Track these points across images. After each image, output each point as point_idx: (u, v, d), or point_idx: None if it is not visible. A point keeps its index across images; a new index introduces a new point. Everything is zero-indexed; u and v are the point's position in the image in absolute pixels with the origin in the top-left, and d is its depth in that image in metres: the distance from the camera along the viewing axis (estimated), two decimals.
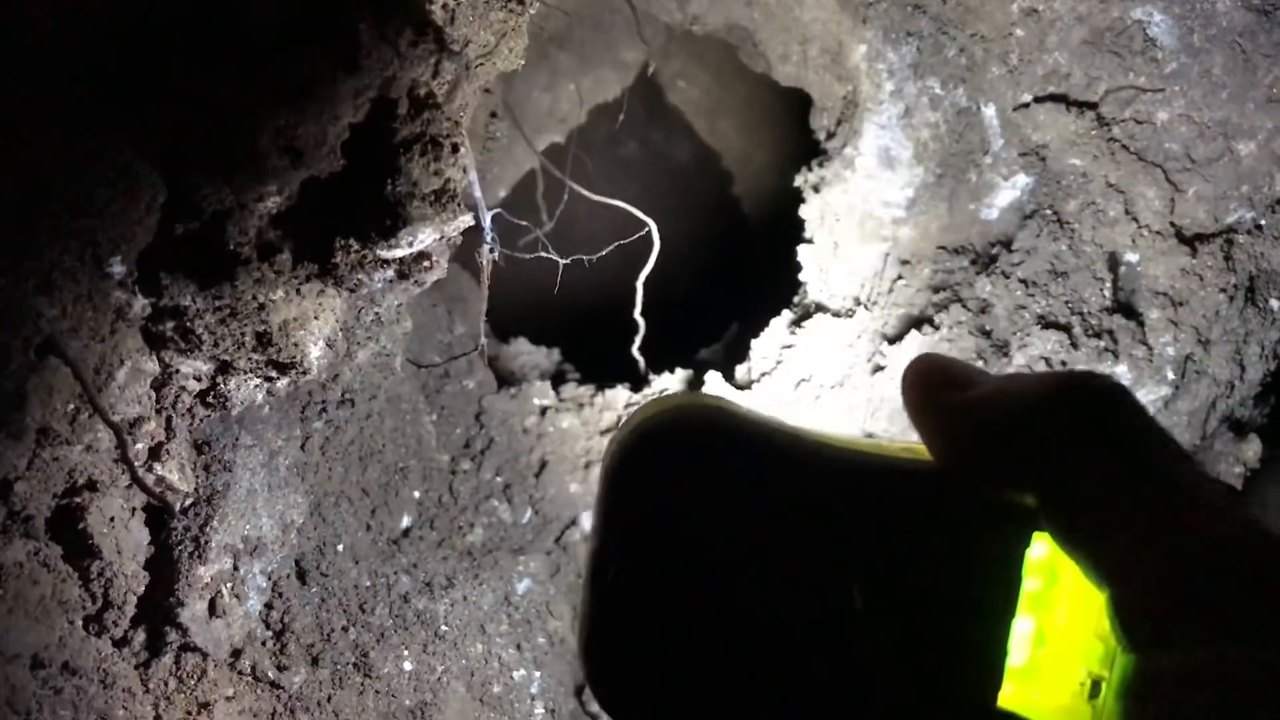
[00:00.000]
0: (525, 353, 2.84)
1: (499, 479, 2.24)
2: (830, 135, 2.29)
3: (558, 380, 2.61)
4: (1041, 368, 1.82)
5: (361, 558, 1.74)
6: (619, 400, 2.54)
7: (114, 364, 1.15)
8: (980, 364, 1.94)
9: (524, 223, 1.37)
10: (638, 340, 2.83)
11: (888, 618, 0.36)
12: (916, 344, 2.04)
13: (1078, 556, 0.34)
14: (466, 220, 1.10)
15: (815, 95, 2.32)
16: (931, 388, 0.39)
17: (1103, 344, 1.82)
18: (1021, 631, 0.37)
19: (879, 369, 2.11)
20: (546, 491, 2.25)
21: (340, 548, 1.71)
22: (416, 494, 2.06)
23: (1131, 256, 1.77)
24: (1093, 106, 1.78)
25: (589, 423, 2.44)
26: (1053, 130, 1.82)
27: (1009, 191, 2.00)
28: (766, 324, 2.44)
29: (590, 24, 2.46)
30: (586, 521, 2.29)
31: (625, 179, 4.35)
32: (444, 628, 1.68)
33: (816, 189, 2.29)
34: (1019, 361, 1.85)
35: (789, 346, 2.33)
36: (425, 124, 1.05)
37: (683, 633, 0.37)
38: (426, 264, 1.14)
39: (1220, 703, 0.28)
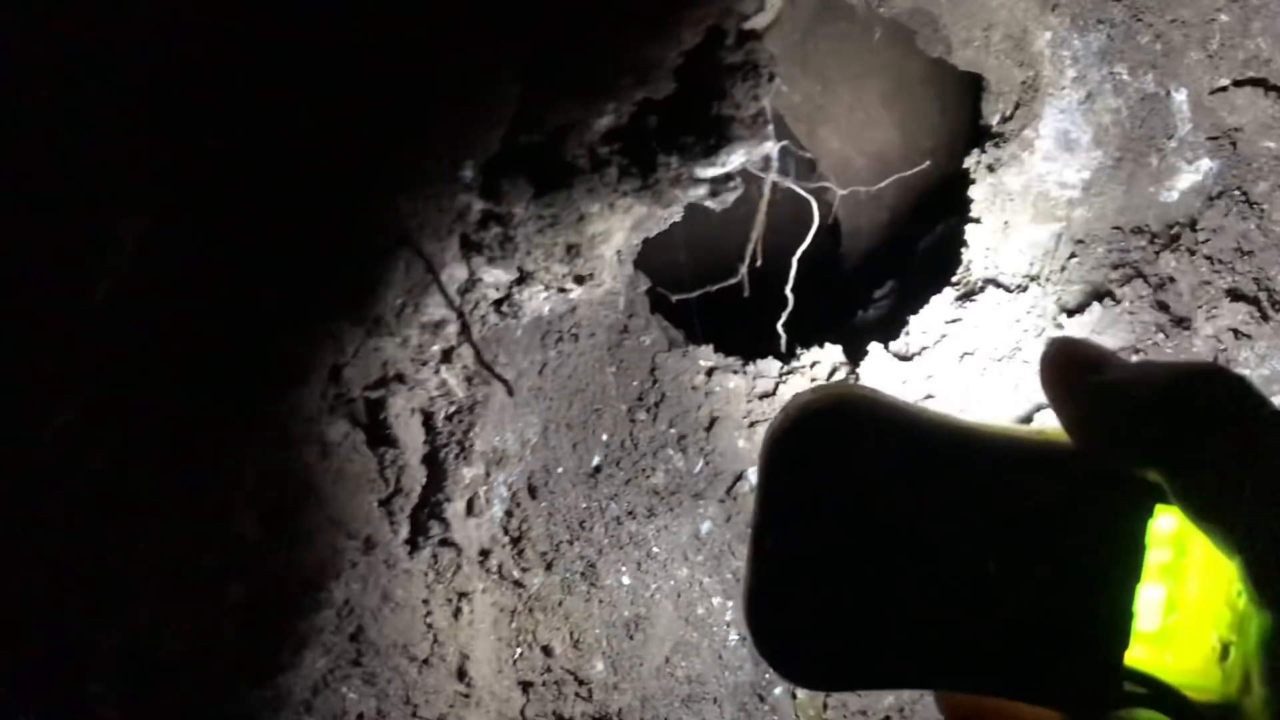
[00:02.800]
0: (664, 327, 2.95)
1: (673, 430, 2.36)
2: (1006, 119, 2.38)
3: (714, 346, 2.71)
4: (1230, 339, 1.89)
5: (576, 483, 1.86)
6: (771, 369, 2.64)
7: (440, 266, 1.28)
8: (1162, 337, 2.01)
9: (807, 153, 1.48)
10: (784, 315, 2.94)
11: (1021, 585, 0.39)
12: (1096, 316, 2.11)
13: (1207, 529, 0.36)
14: (770, 145, 1.21)
15: (992, 80, 2.41)
16: (1068, 370, 0.41)
17: None
18: (1153, 599, 0.40)
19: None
20: (716, 444, 2.36)
21: (560, 470, 1.83)
22: (604, 436, 2.18)
23: None
24: None
25: (752, 386, 2.54)
26: (1249, 114, 1.89)
27: (1191, 175, 2.07)
28: (925, 301, 2.53)
29: None
30: (753, 476, 2.40)
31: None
32: (655, 549, 1.80)
33: (991, 169, 2.38)
34: (1206, 333, 1.92)
35: (954, 321, 2.41)
36: (748, 53, 1.16)
37: (833, 596, 0.41)
38: (732, 184, 1.25)
39: None
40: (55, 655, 1.01)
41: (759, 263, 1.52)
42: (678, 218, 1.45)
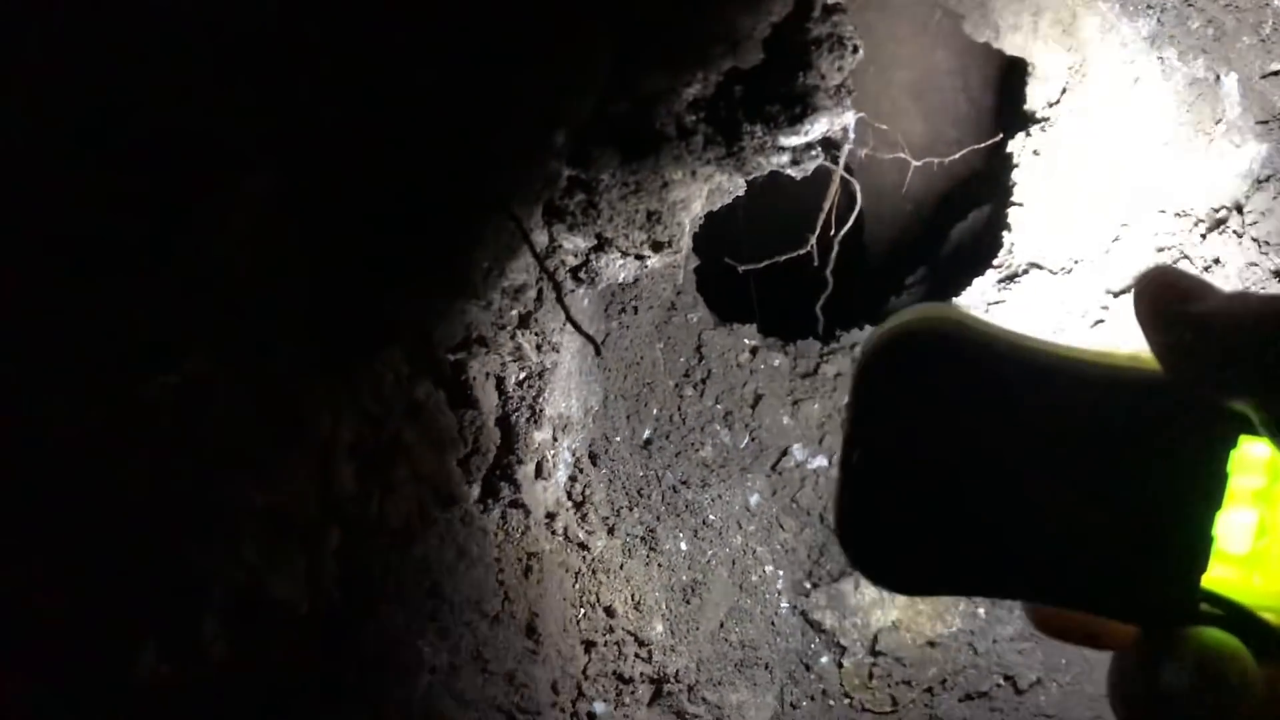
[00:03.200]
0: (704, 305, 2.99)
1: (719, 406, 2.40)
2: (1053, 104, 2.41)
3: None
4: None
5: (633, 452, 1.91)
6: (812, 350, 2.68)
7: (527, 230, 1.32)
8: None
9: (884, 127, 1.52)
10: (823, 297, 2.98)
11: (1103, 505, 0.41)
12: None
13: None
14: (850, 116, 1.25)
15: (1039, 65, 2.44)
16: (1164, 299, 0.41)
17: None
18: (1243, 523, 0.41)
19: (1098, 322, 2.22)
20: (762, 420, 2.40)
21: (618, 439, 1.88)
22: (655, 410, 2.23)
23: None
24: None
25: (793, 365, 2.58)
26: None
27: (1238, 159, 2.10)
28: (967, 284, 2.56)
29: None
30: (798, 452, 2.44)
31: None
32: (711, 517, 1.84)
33: (1036, 153, 2.41)
34: None
35: (997, 303, 2.45)
36: (834, 25, 1.20)
37: (918, 510, 0.43)
38: (813, 152, 1.29)
39: None
40: (172, 592, 1.06)
41: (832, 232, 1.55)
42: (742, 191, 1.49)
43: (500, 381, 1.56)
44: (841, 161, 1.35)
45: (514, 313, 1.46)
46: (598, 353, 1.45)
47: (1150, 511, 0.41)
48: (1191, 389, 0.40)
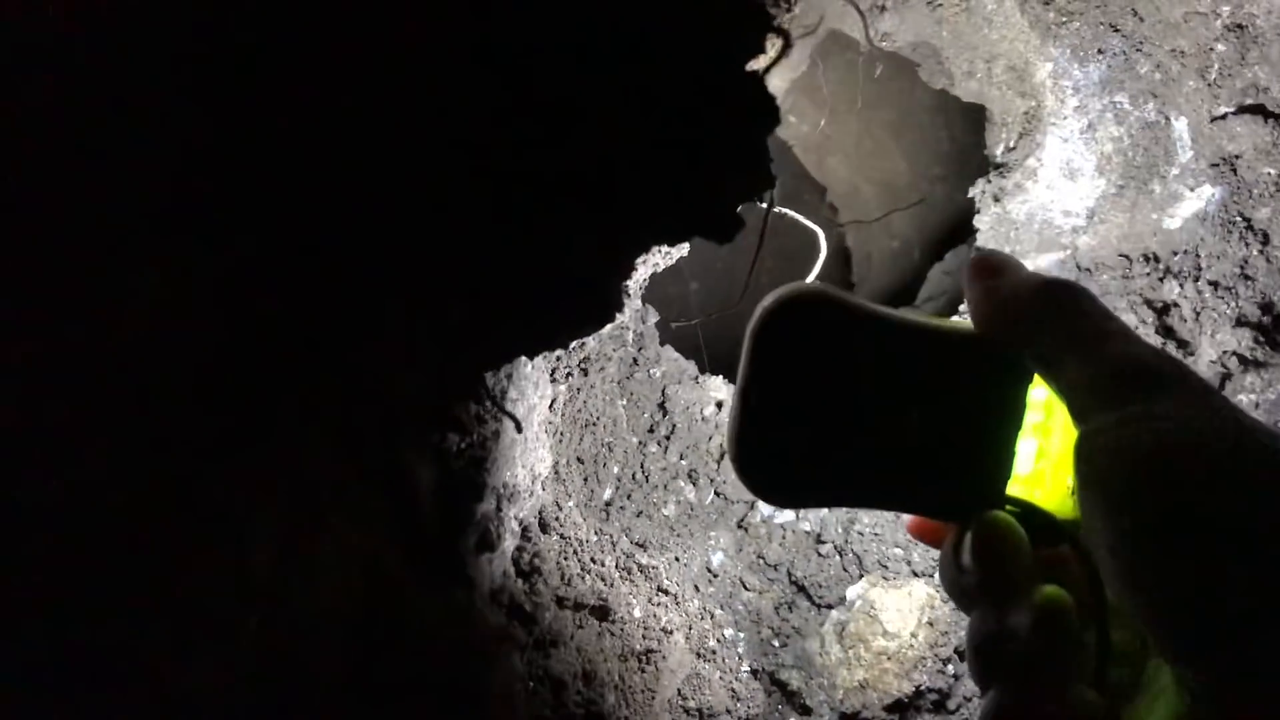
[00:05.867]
0: (670, 359, 2.97)
1: (683, 462, 2.37)
2: (1010, 149, 2.40)
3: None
4: (1234, 365, 1.89)
5: (588, 516, 1.88)
6: None
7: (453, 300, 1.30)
8: None
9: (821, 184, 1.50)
10: None
11: (935, 431, 0.53)
12: None
13: (1051, 385, 0.50)
14: (772, 180, 1.23)
15: (996, 111, 2.43)
16: (978, 273, 0.54)
17: None
18: (1027, 450, 0.54)
19: None
20: (728, 476, 2.37)
21: (571, 504, 1.85)
22: (615, 469, 2.20)
23: None
24: None
25: None
26: (1248, 141, 1.91)
27: (1194, 201, 2.09)
28: None
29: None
30: (764, 507, 2.41)
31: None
32: (666, 582, 1.81)
33: (996, 199, 2.40)
34: (1209, 357, 1.93)
35: None
36: (753, 90, 1.19)
37: (800, 435, 0.53)
38: (736, 221, 1.27)
39: (1118, 440, 0.45)
40: (80, 689, 1.03)
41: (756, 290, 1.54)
42: (685, 252, 1.47)
43: (438, 454, 1.53)
44: (766, 218, 1.34)
45: (449, 382, 1.44)
46: (519, 429, 1.42)
47: (969, 437, 0.53)
48: (993, 344, 0.52)
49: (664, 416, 2.47)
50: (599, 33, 1.13)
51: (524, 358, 1.60)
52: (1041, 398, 0.54)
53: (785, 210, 2.72)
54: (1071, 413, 0.48)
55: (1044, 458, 0.54)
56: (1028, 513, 0.52)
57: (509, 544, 1.67)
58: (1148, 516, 0.42)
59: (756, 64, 1.21)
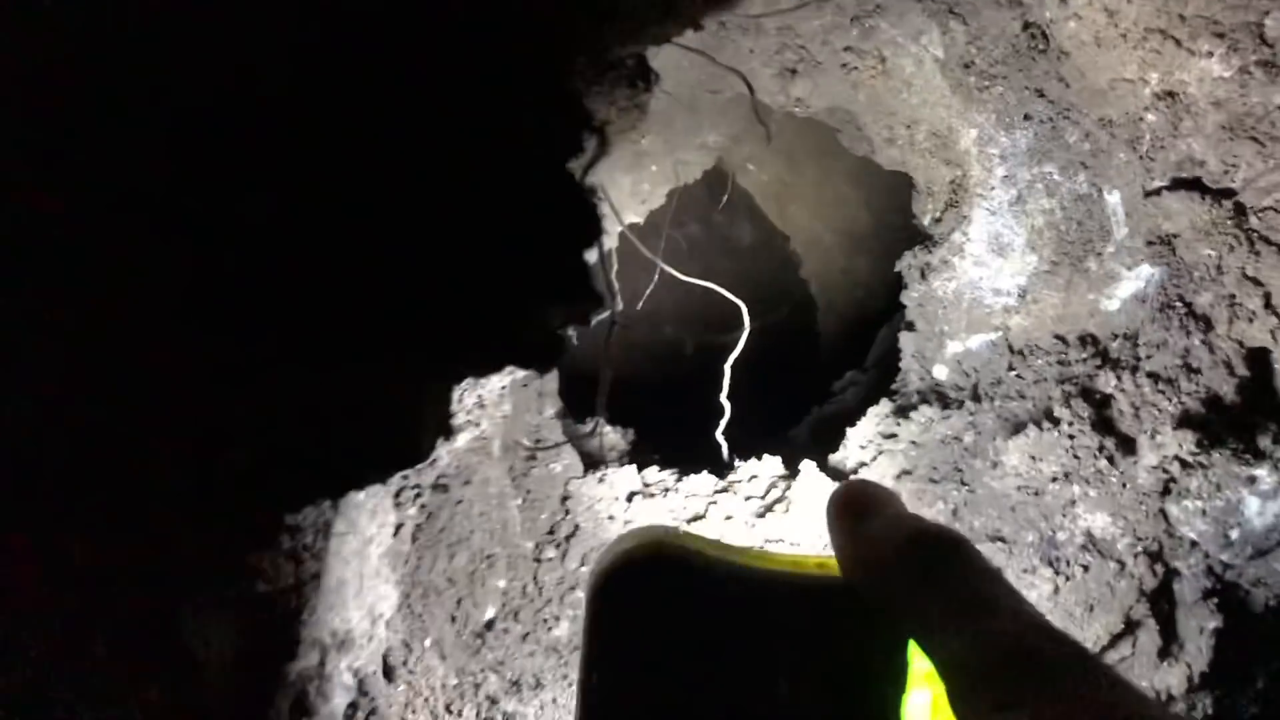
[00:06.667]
0: (605, 433, 2.76)
1: (584, 568, 2.15)
2: (937, 220, 2.21)
3: (639, 465, 2.52)
4: (1177, 470, 1.69)
5: (448, 653, 1.65)
6: (704, 487, 2.45)
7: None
8: (1105, 463, 1.81)
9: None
10: (723, 424, 2.75)
11: (807, 702, 0.46)
12: (1033, 439, 1.92)
13: (929, 657, 0.43)
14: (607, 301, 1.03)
15: (920, 180, 2.25)
16: (840, 514, 0.49)
17: (1241, 445, 1.69)
18: (922, 702, 0.47)
19: (995, 464, 1.98)
20: None
21: (427, 642, 1.62)
22: (501, 583, 1.97)
23: (1277, 354, 1.64)
24: (1230, 195, 1.67)
25: (675, 510, 2.34)
26: (1185, 219, 1.72)
27: (1132, 282, 1.89)
28: (862, 412, 2.34)
29: (686, 106, 2.41)
30: None
31: (702, 258, 4.30)
32: None
33: (923, 274, 2.20)
34: (1149, 462, 1.73)
35: (891, 436, 2.22)
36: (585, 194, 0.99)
37: (652, 717, 0.46)
38: (572, 337, 1.07)
39: None
40: None
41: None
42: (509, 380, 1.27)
43: (240, 605, 1.31)
44: (612, 334, 1.13)
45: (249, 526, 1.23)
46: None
47: (848, 706, 0.46)
48: (861, 595, 0.47)
49: (565, 516, 2.24)
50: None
51: (352, 491, 1.39)
52: None
53: (710, 284, 2.52)
54: (951, 698, 0.41)
55: (940, 712, 0.46)
56: None
57: (339, 702, 1.44)
58: None
59: (575, 164, 1.02)
